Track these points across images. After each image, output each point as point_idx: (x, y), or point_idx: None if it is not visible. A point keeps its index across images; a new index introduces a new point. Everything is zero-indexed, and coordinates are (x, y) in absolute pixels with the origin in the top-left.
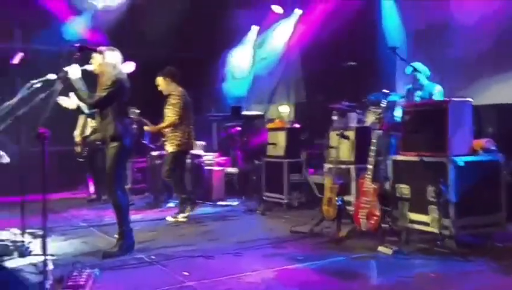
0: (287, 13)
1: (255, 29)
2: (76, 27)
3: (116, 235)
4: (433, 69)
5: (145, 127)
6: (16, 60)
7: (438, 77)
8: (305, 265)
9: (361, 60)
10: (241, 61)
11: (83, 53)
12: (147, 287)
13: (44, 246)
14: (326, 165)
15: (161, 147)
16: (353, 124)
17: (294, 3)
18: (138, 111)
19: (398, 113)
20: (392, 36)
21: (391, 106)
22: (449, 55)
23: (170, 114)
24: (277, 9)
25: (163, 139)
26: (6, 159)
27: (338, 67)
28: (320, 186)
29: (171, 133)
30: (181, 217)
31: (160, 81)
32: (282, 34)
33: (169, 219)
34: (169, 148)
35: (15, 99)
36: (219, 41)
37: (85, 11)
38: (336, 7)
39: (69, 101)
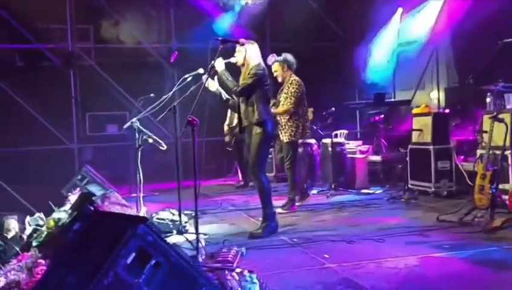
0: None
1: (399, 11)
2: (224, 24)
3: (260, 219)
4: None
5: None
6: (172, 59)
7: None
8: (452, 253)
9: None
10: (385, 46)
11: (226, 46)
12: (289, 266)
13: (196, 226)
14: (479, 151)
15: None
16: (510, 105)
17: None
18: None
19: None
20: None
21: None
22: None
23: (286, 102)
24: None
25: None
26: (163, 146)
27: (494, 46)
28: (472, 174)
29: (285, 122)
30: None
31: (277, 67)
32: (429, 14)
33: (280, 210)
34: (285, 138)
35: (170, 93)
36: (361, 26)
37: (231, 8)
38: None
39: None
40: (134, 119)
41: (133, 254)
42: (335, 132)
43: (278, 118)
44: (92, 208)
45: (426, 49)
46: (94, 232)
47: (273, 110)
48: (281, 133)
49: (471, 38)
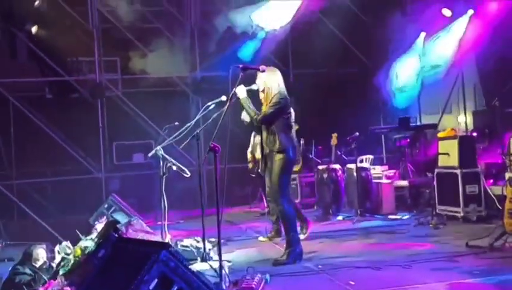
0: (457, 15)
1: (422, 35)
2: (247, 52)
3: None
4: None
5: None
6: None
7: None
8: (482, 280)
9: None
10: (409, 70)
11: (246, 73)
12: None
13: (219, 253)
14: (507, 174)
15: (328, 161)
16: None
17: (464, 3)
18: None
19: None
20: None
21: None
22: None
23: None
24: (446, 12)
25: None
26: (187, 173)
27: None
28: (501, 198)
29: None
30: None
31: None
32: (453, 37)
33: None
34: None
35: (193, 121)
36: (384, 51)
37: (253, 36)
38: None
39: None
40: (158, 147)
41: (156, 280)
42: (360, 157)
43: None
44: (117, 235)
45: (451, 73)
46: (118, 259)
47: None
48: None
49: (496, 60)
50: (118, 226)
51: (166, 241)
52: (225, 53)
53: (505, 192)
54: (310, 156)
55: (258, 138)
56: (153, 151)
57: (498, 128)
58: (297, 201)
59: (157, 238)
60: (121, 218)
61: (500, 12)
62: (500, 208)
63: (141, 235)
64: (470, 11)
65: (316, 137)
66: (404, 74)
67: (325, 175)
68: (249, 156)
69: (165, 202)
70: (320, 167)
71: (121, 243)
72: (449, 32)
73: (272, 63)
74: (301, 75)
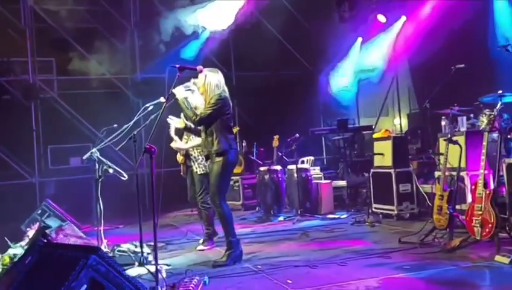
0: (391, 21)
1: (359, 40)
2: (188, 54)
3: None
4: None
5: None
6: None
7: None
8: (412, 274)
9: (475, 62)
10: (347, 74)
11: (183, 72)
12: None
13: (156, 256)
14: (436, 173)
15: (270, 163)
16: (463, 128)
17: (398, 10)
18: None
19: None
20: (507, 33)
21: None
22: None
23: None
24: (381, 18)
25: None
26: (124, 176)
27: (448, 72)
28: (431, 196)
29: (199, 153)
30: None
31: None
32: (387, 43)
33: (201, 247)
34: (199, 170)
35: (131, 122)
36: (324, 55)
37: (195, 38)
38: (443, 10)
39: (177, 121)
40: (94, 150)
41: (85, 286)
42: (301, 159)
43: (190, 150)
44: (45, 241)
45: (387, 77)
46: (46, 265)
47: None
48: (194, 164)
49: (427, 64)
50: (47, 231)
51: (102, 246)
52: (166, 54)
53: (434, 190)
54: (252, 157)
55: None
56: (88, 154)
57: (429, 129)
58: (239, 203)
59: (90, 243)
60: (54, 223)
61: (430, 19)
62: (431, 205)
63: (73, 240)
64: (403, 18)
65: (258, 139)
66: (343, 77)
67: (266, 176)
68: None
69: (101, 206)
70: (261, 169)
71: (48, 248)
72: (384, 37)
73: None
74: (243, 77)
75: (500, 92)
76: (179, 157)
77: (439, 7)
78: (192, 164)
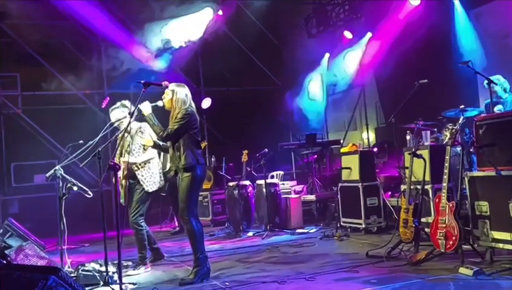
0: (357, 37)
1: (326, 56)
2: (155, 68)
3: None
4: None
5: None
6: (104, 104)
7: None
8: (379, 288)
9: (438, 77)
10: (315, 89)
11: (147, 88)
12: None
13: (120, 275)
14: (402, 187)
15: (239, 178)
16: (427, 142)
17: (364, 27)
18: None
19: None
20: (469, 50)
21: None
22: None
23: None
24: (348, 34)
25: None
26: (89, 194)
27: (412, 87)
28: (398, 209)
29: (146, 171)
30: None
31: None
32: (353, 58)
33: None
34: (151, 188)
35: (97, 138)
36: (293, 71)
37: (162, 53)
38: (407, 27)
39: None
40: (57, 167)
41: None
42: (271, 173)
43: (135, 168)
44: (4, 262)
45: (354, 92)
46: (4, 287)
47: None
48: (144, 184)
49: (393, 79)
50: (7, 251)
51: (66, 266)
52: (134, 70)
53: (400, 203)
54: (221, 173)
55: (163, 155)
56: (52, 171)
57: (395, 144)
58: (208, 218)
59: (52, 263)
60: (15, 243)
61: (395, 36)
62: (397, 218)
63: (33, 261)
64: (369, 34)
65: (227, 154)
66: (311, 92)
67: (236, 192)
68: None
69: (65, 225)
70: (230, 184)
71: (7, 270)
72: (351, 53)
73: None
74: (212, 92)
75: (462, 106)
76: (122, 181)
77: (403, 24)
78: (142, 183)
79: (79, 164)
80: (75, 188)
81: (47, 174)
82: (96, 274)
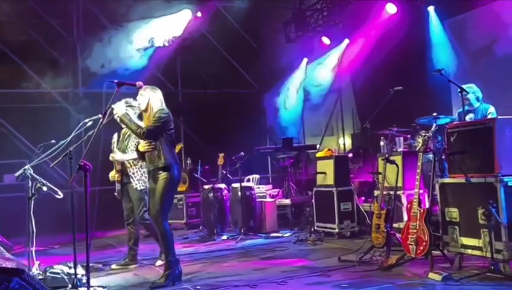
0: (335, 44)
1: (304, 61)
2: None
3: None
4: (493, 91)
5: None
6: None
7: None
8: None
9: (413, 84)
10: (293, 94)
11: (121, 88)
12: None
13: (88, 278)
14: (376, 192)
15: (215, 181)
16: (400, 148)
17: (342, 33)
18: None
19: None
20: (443, 58)
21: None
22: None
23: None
24: (326, 40)
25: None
26: (59, 195)
27: (388, 94)
28: (371, 214)
29: (138, 169)
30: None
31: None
32: (331, 64)
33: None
34: (138, 185)
35: (69, 138)
36: (271, 75)
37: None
38: (384, 34)
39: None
40: (27, 167)
41: None
42: (247, 177)
43: (128, 165)
44: None
45: (331, 97)
46: None
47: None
48: (133, 181)
49: (369, 85)
50: None
51: (34, 268)
52: (110, 69)
53: (373, 208)
54: (196, 175)
55: None
56: (21, 171)
57: (370, 150)
58: (182, 221)
59: (18, 264)
60: None
61: (371, 43)
62: (370, 223)
63: None
64: (346, 41)
65: (203, 157)
66: (289, 97)
67: (211, 195)
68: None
69: (33, 225)
70: (205, 187)
71: None
72: (328, 59)
73: (160, 83)
74: (190, 94)
75: (435, 114)
76: (114, 175)
77: (380, 32)
78: (132, 180)
79: (50, 164)
80: (44, 189)
81: (16, 174)
82: (65, 277)
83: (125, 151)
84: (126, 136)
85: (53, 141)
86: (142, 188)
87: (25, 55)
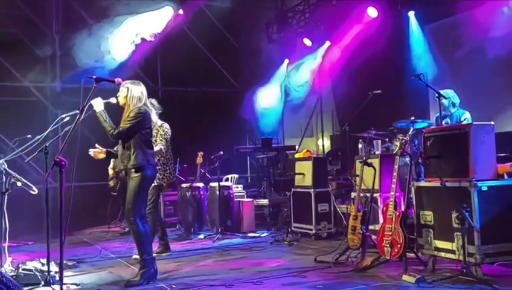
0: (316, 45)
1: (285, 62)
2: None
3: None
4: (472, 96)
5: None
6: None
7: (475, 104)
8: None
9: (392, 88)
10: (273, 94)
11: (99, 84)
12: None
13: (61, 275)
14: (353, 194)
15: (193, 180)
16: (378, 151)
17: (323, 35)
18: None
19: None
20: (422, 63)
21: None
22: (484, 82)
23: (159, 143)
24: (307, 42)
25: None
26: (34, 190)
27: (367, 97)
28: (347, 216)
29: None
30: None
31: None
32: (312, 66)
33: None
34: (155, 182)
35: (45, 133)
36: (252, 74)
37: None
38: (364, 38)
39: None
40: (1, 161)
41: None
42: (226, 176)
43: None
44: None
45: (311, 98)
46: None
47: None
48: None
49: (349, 88)
50: None
51: (6, 264)
52: (89, 64)
53: (350, 210)
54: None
55: None
56: None
57: (348, 152)
58: None
59: None
60: None
61: (352, 46)
62: (347, 225)
63: None
64: (327, 43)
65: (181, 155)
66: (269, 97)
67: (188, 193)
68: (111, 172)
69: (6, 221)
70: (183, 185)
71: None
72: (309, 60)
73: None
74: (169, 92)
75: (412, 118)
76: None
77: (361, 35)
78: None
79: (26, 159)
80: (19, 184)
81: None
82: (38, 273)
83: None
84: None
85: (29, 136)
86: (155, 184)
87: (2, 48)
